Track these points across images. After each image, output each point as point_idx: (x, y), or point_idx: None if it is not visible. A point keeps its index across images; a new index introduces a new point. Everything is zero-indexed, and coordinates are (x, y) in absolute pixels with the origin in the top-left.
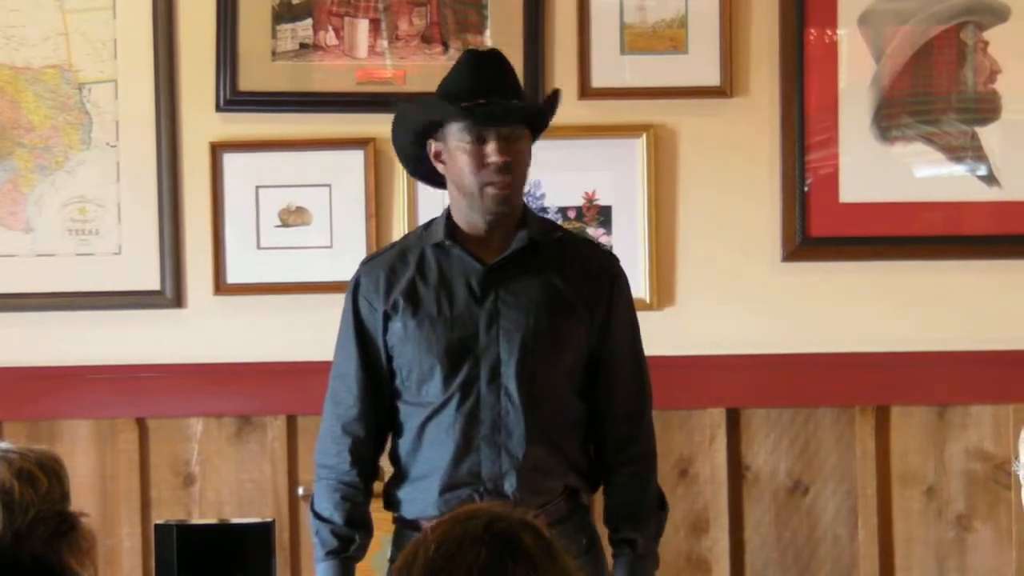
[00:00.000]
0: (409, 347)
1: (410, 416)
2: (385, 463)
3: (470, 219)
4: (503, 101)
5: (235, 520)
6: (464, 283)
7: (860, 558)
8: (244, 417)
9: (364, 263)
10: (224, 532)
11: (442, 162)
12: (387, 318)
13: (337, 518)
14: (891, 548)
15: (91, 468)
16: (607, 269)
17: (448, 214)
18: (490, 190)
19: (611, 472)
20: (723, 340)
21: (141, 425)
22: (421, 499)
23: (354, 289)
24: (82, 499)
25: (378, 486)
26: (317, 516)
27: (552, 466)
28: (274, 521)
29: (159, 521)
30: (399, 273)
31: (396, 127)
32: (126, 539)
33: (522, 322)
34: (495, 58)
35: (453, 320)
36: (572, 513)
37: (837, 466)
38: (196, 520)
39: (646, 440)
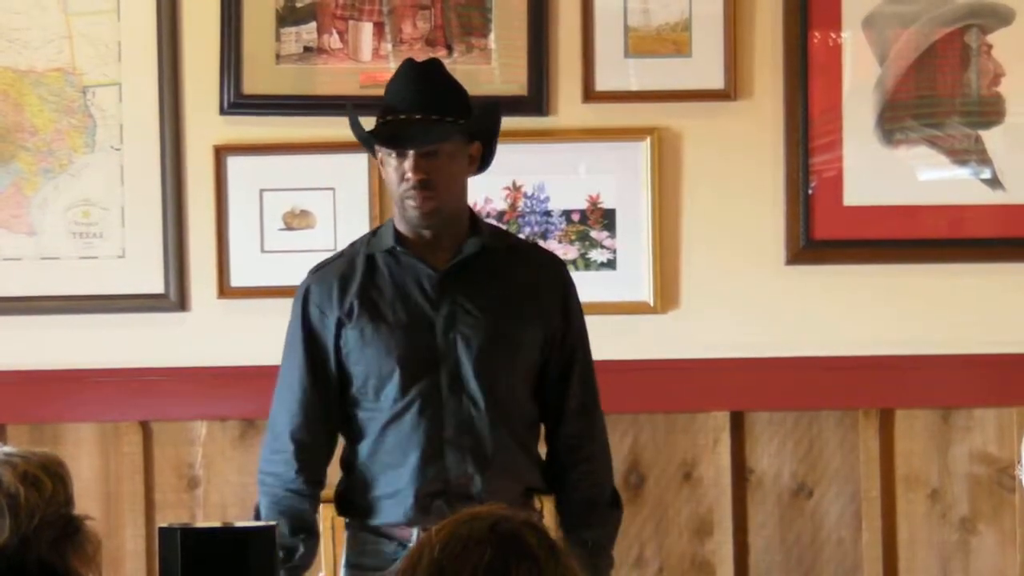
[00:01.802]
0: (367, 353)
1: (368, 422)
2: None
3: (406, 227)
4: (420, 118)
5: (239, 523)
6: (418, 289)
7: (864, 561)
8: (248, 420)
9: (313, 271)
10: (228, 535)
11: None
12: (341, 325)
13: (282, 528)
14: (895, 551)
15: (95, 471)
16: (559, 274)
17: (393, 220)
18: (409, 204)
19: (566, 472)
20: (727, 343)
21: (145, 428)
22: (389, 507)
23: (304, 297)
24: (86, 502)
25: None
26: None
27: (517, 467)
28: (278, 524)
29: (163, 524)
30: (351, 280)
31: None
32: (129, 542)
33: (480, 327)
34: (426, 70)
35: (410, 325)
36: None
37: (841, 469)
38: (200, 523)
39: (600, 438)
